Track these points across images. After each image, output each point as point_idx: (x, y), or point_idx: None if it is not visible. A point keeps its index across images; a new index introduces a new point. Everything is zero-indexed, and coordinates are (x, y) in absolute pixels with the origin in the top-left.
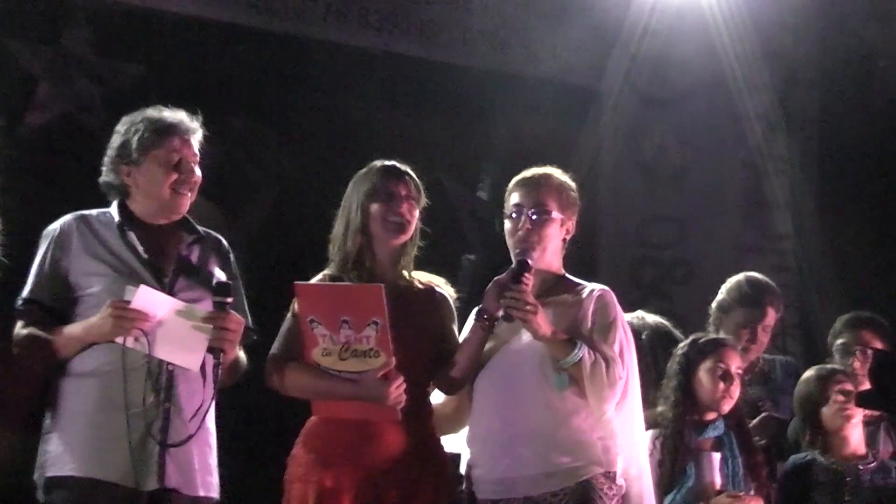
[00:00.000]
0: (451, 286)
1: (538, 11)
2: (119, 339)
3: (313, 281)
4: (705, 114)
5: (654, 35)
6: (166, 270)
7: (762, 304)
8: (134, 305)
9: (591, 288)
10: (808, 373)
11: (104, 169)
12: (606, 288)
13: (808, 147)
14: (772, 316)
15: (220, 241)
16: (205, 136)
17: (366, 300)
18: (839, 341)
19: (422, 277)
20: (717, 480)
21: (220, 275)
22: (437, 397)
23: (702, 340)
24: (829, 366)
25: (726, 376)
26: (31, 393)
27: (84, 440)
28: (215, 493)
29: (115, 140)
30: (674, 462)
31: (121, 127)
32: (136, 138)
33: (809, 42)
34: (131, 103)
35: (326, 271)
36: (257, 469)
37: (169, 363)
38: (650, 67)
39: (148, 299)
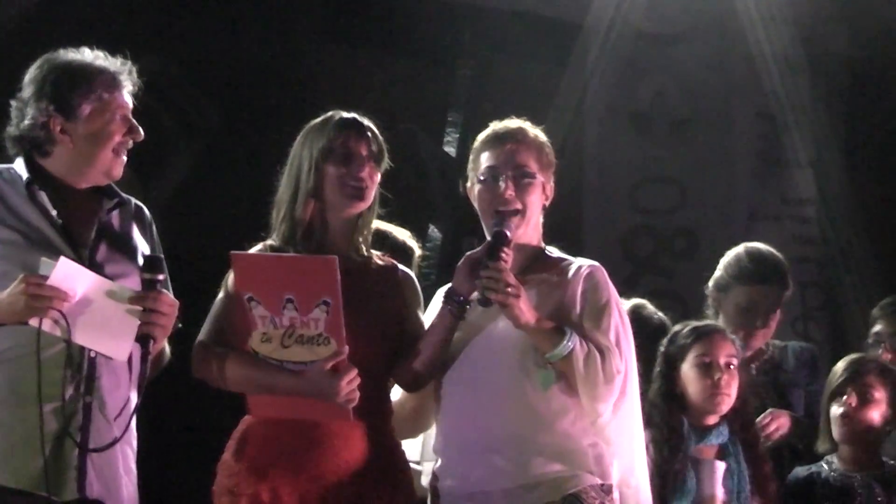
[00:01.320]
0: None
1: None
2: (33, 321)
3: (254, 248)
4: (712, 54)
5: None
6: (84, 239)
7: (765, 279)
8: (52, 281)
9: (579, 264)
10: (838, 364)
11: (16, 117)
12: (596, 264)
13: (833, 94)
14: (776, 294)
15: (141, 208)
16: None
17: (316, 275)
18: (874, 329)
19: (381, 238)
20: (720, 495)
21: (144, 247)
22: (394, 394)
23: (684, 330)
24: (861, 356)
25: (711, 368)
26: None
27: None
28: None
29: (35, 86)
30: (665, 474)
31: (39, 71)
32: (74, 87)
33: None
34: (14, 38)
35: (268, 242)
36: (181, 478)
37: (91, 350)
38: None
39: (68, 273)
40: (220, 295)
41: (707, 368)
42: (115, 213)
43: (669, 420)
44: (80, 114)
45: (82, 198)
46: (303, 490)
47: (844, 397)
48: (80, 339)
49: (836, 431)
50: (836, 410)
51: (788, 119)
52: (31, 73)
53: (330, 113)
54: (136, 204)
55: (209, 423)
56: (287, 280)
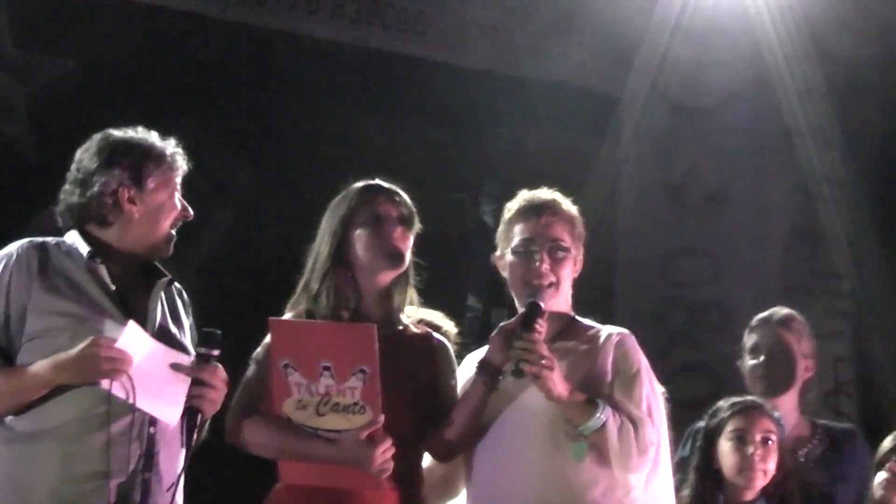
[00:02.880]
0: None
1: (548, 2)
2: (104, 383)
3: (288, 316)
4: (747, 126)
5: (686, 33)
6: (142, 312)
7: (774, 322)
8: (119, 344)
9: (609, 332)
10: (885, 441)
11: (77, 187)
12: (626, 331)
13: (868, 167)
14: (791, 338)
15: (181, 290)
16: None
17: (354, 343)
18: None
19: (415, 318)
20: None
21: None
22: (424, 462)
23: (724, 405)
24: None
25: (746, 443)
26: None
27: None
28: None
29: (103, 156)
30: None
31: (106, 143)
32: (145, 160)
33: (871, 42)
34: (59, 105)
35: (301, 306)
36: None
37: (151, 427)
38: (682, 71)
39: (134, 339)
40: (252, 364)
41: (742, 443)
42: (168, 291)
43: (704, 497)
44: (147, 186)
45: (135, 272)
46: None
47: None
48: (140, 403)
49: (877, 495)
50: (880, 477)
51: (823, 192)
52: (95, 145)
53: (357, 183)
54: (178, 286)
55: (241, 490)
56: (325, 347)
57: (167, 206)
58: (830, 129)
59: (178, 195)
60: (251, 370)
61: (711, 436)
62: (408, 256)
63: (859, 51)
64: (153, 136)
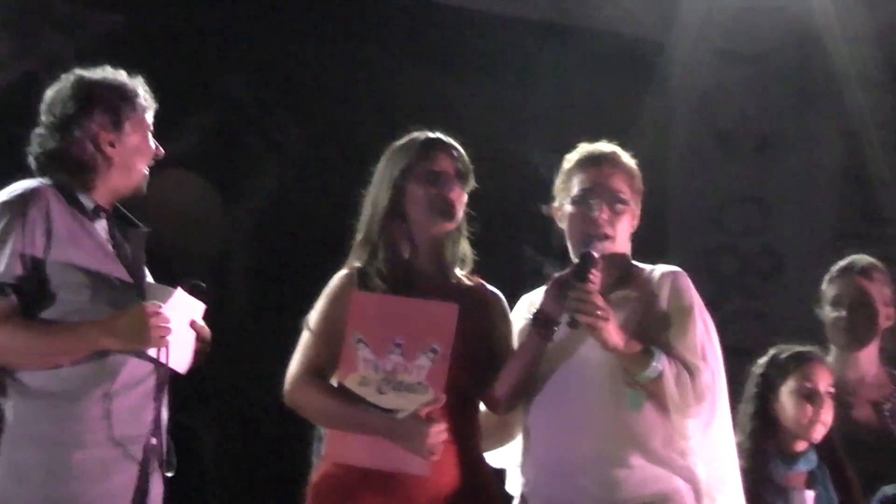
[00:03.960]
0: (508, 285)
1: None
2: (152, 351)
3: (340, 275)
4: (795, 72)
5: None
6: (133, 264)
7: (855, 272)
8: (166, 309)
9: (662, 271)
10: None
11: (58, 133)
12: (678, 269)
13: None
14: (873, 288)
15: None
16: (196, 100)
17: (432, 321)
18: None
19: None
20: None
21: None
22: (483, 410)
23: (783, 355)
24: None
25: (814, 397)
26: None
27: (79, 484)
28: None
29: (77, 102)
30: (757, 500)
31: (79, 88)
32: (121, 102)
33: None
34: (107, 59)
35: (356, 263)
36: None
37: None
38: (729, 16)
39: (181, 303)
40: (314, 328)
41: (809, 396)
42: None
43: (761, 445)
44: (125, 129)
45: (115, 220)
46: None
47: None
48: (173, 364)
49: None
50: None
51: (872, 138)
52: (69, 87)
53: (414, 133)
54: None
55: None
56: (401, 323)
57: (143, 148)
58: (879, 73)
59: (150, 135)
60: (308, 336)
61: (770, 385)
62: (461, 210)
63: None
64: (124, 76)
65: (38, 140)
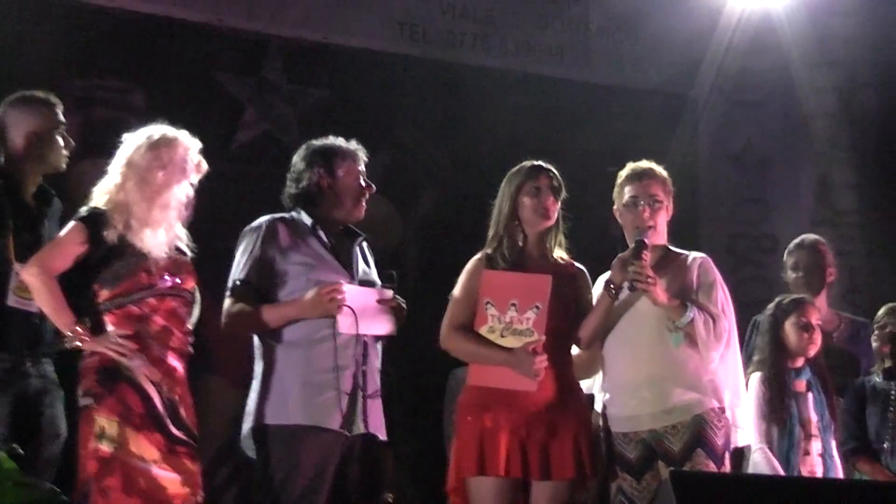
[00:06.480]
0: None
1: (645, 35)
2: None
3: (474, 259)
4: (782, 114)
5: (736, 49)
6: (349, 260)
7: (807, 245)
8: (347, 288)
9: (694, 256)
10: (880, 311)
11: (296, 182)
12: (705, 255)
13: (865, 146)
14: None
15: (367, 242)
16: (379, 146)
17: (535, 287)
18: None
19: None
20: (813, 417)
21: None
22: (575, 349)
23: (785, 301)
24: None
25: (808, 327)
26: (238, 356)
27: (301, 395)
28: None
29: (307, 160)
30: (780, 398)
31: (308, 151)
32: (334, 157)
33: (866, 50)
34: (318, 121)
35: (487, 250)
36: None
37: (364, 337)
38: (736, 73)
39: (351, 291)
40: (455, 294)
41: (806, 327)
42: (362, 244)
43: (778, 362)
44: (338, 175)
45: (340, 233)
46: (514, 416)
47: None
48: (363, 329)
49: (875, 348)
50: (875, 336)
51: (838, 156)
52: (302, 152)
53: (524, 162)
54: (366, 241)
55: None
56: (515, 290)
57: (355, 188)
58: (839, 113)
59: (363, 178)
60: (454, 301)
61: (778, 320)
62: (555, 212)
63: (857, 56)
64: (340, 140)
65: (287, 188)
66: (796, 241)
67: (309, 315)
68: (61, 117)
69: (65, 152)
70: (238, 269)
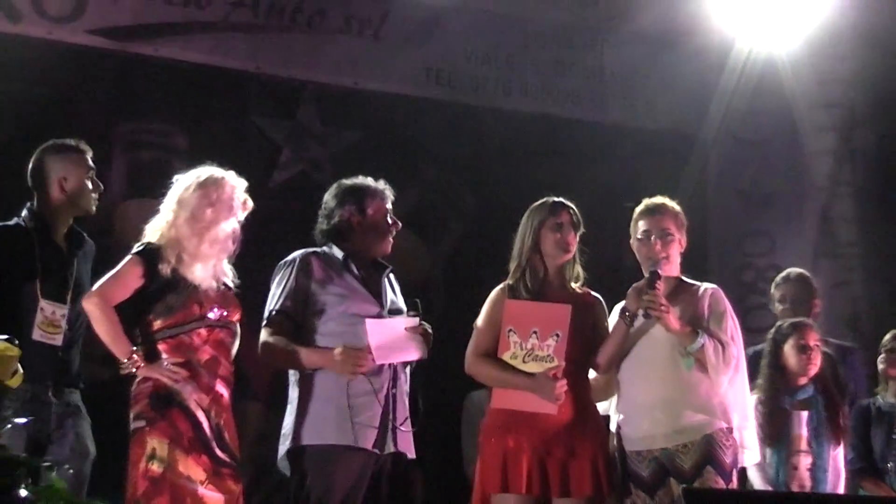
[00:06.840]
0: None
1: (656, 80)
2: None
3: (497, 289)
4: (786, 152)
5: (742, 92)
6: (379, 289)
7: (793, 279)
8: (369, 333)
9: (705, 287)
10: (886, 336)
11: (328, 219)
12: (716, 286)
13: (866, 177)
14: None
15: (393, 272)
16: (407, 184)
17: (555, 316)
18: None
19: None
20: (804, 434)
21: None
22: (592, 373)
23: (784, 325)
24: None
25: (806, 349)
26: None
27: (337, 416)
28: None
29: (338, 198)
30: (772, 420)
31: (339, 189)
32: (365, 196)
33: (864, 92)
34: (351, 161)
35: (509, 281)
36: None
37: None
38: (741, 116)
39: (377, 326)
40: (478, 324)
41: (804, 348)
42: (390, 276)
43: (774, 384)
44: (367, 213)
45: (369, 265)
46: (535, 437)
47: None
48: (389, 359)
49: (882, 370)
50: (883, 359)
51: (838, 191)
52: (333, 190)
53: (545, 198)
54: (392, 272)
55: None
56: (537, 318)
57: (383, 224)
58: (840, 151)
59: (390, 216)
60: (478, 329)
61: (779, 343)
62: (574, 246)
63: (857, 97)
64: (369, 180)
65: (318, 224)
66: (783, 274)
67: (335, 370)
68: (91, 163)
69: (94, 195)
70: (273, 300)
